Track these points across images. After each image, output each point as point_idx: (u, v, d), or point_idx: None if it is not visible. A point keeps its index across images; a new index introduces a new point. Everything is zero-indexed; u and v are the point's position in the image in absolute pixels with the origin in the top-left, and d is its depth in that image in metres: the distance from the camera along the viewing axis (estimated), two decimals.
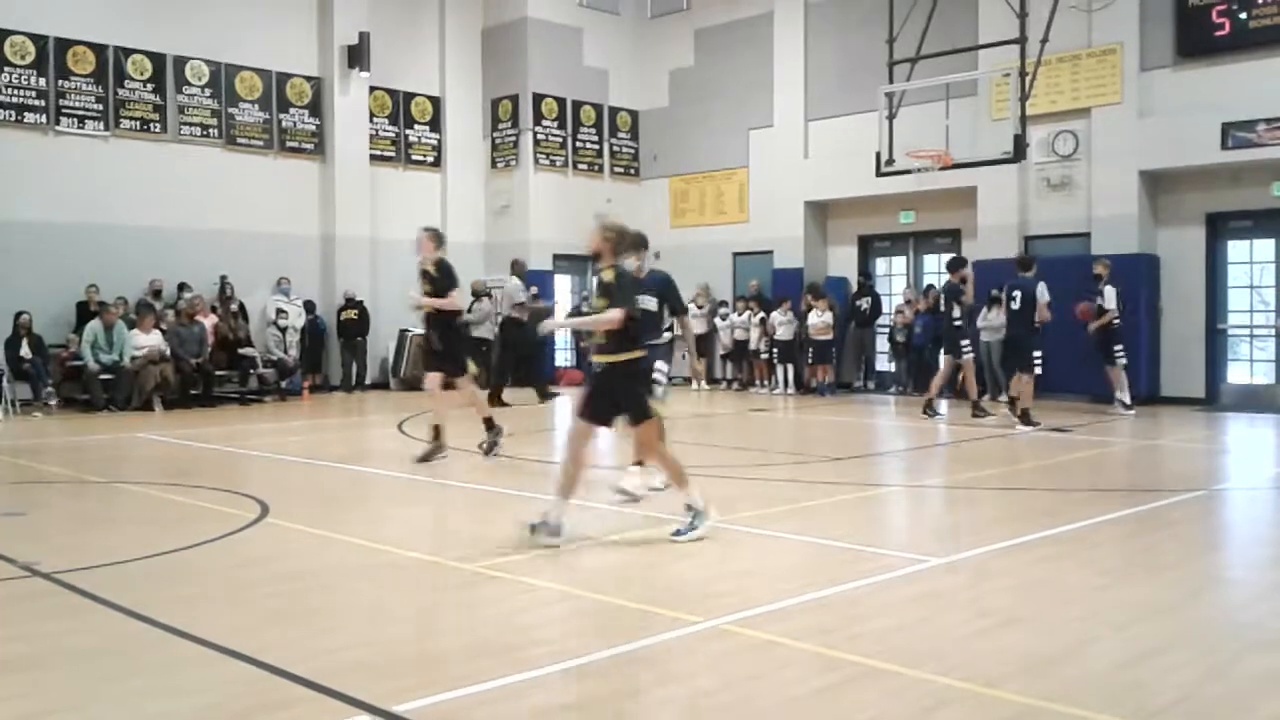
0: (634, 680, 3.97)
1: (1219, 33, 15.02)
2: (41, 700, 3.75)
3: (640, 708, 3.70)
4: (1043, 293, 12.81)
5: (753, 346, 18.91)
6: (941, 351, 14.39)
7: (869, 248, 19.62)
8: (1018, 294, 12.81)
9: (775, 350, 18.43)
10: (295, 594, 5.24)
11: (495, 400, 15.18)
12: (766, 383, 18.83)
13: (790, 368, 18.35)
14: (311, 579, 5.56)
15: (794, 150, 19.64)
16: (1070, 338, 14.90)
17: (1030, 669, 4.00)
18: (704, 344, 20.02)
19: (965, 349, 13.79)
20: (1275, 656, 4.17)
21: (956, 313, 13.84)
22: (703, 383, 19.62)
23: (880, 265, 19.66)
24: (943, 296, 14.20)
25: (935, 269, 18.86)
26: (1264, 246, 15.59)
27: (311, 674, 3.90)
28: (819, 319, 17.89)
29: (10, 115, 15.75)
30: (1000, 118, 15.58)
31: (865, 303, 18.52)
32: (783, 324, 18.17)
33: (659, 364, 8.14)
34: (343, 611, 4.94)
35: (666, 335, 8.77)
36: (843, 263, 19.69)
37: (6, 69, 15.71)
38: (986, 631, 4.53)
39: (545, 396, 16.59)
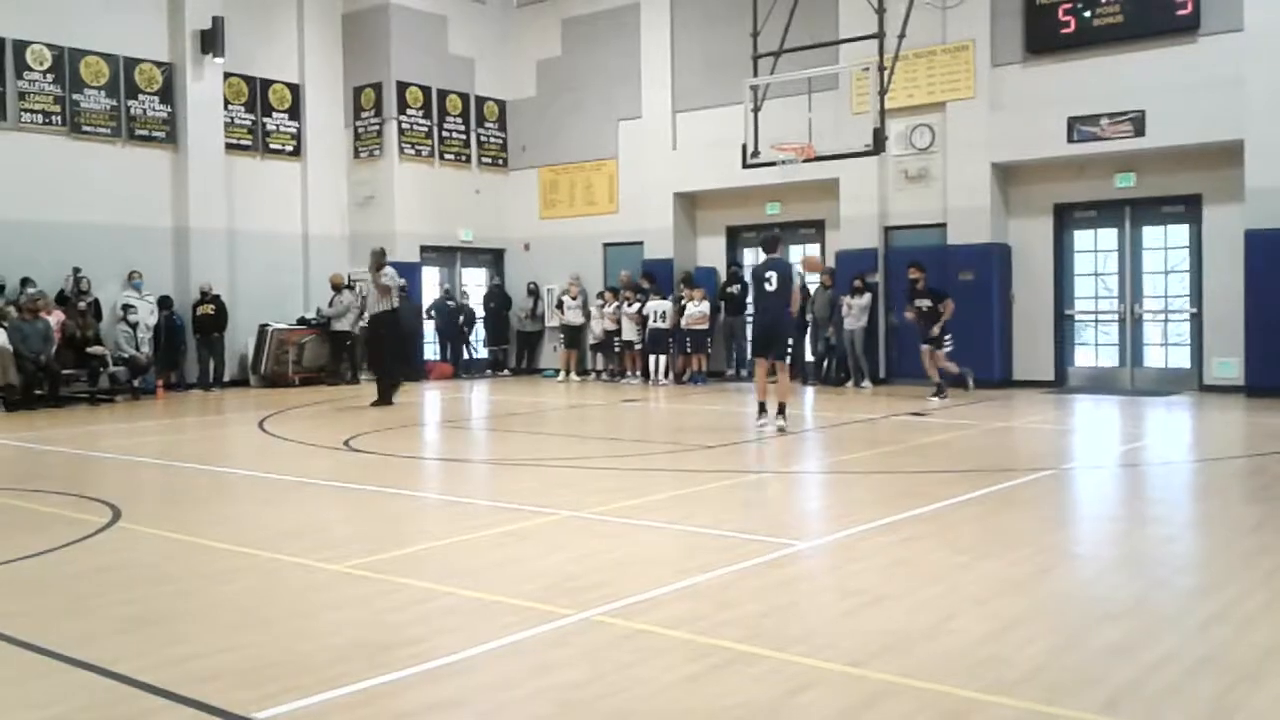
0: (505, 675, 3.93)
1: (1065, 30, 15.69)
2: None
3: (511, 701, 3.66)
4: (798, 276, 12.46)
5: (626, 337, 18.99)
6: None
7: (737, 238, 19.89)
8: (772, 275, 11.62)
9: (648, 340, 18.55)
10: (150, 600, 5.02)
11: (386, 399, 14.69)
12: (638, 373, 18.93)
13: (664, 358, 18.49)
14: (168, 584, 5.33)
15: (662, 141, 19.76)
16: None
17: (894, 646, 4.11)
18: (576, 335, 20.03)
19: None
20: (1124, 627, 4.37)
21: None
22: (573, 374, 19.64)
23: (748, 255, 19.94)
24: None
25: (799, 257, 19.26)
26: (1107, 235, 16.38)
27: (167, 683, 3.75)
28: (696, 309, 18.07)
29: None
30: (861, 111, 15.98)
31: (736, 289, 18.78)
32: (659, 314, 18.29)
33: None
34: (201, 617, 4.75)
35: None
36: (712, 253, 19.93)
37: None
38: (852, 612, 4.64)
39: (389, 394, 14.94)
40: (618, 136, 20.44)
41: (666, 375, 18.40)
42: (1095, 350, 16.70)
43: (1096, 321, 16.63)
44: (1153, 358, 16.17)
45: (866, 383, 16.68)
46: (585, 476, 8.59)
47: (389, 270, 14.80)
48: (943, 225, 16.76)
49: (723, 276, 19.36)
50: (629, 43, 20.11)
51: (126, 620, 4.66)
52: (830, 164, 15.89)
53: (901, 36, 14.65)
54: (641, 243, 20.04)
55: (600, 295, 19.77)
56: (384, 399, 14.71)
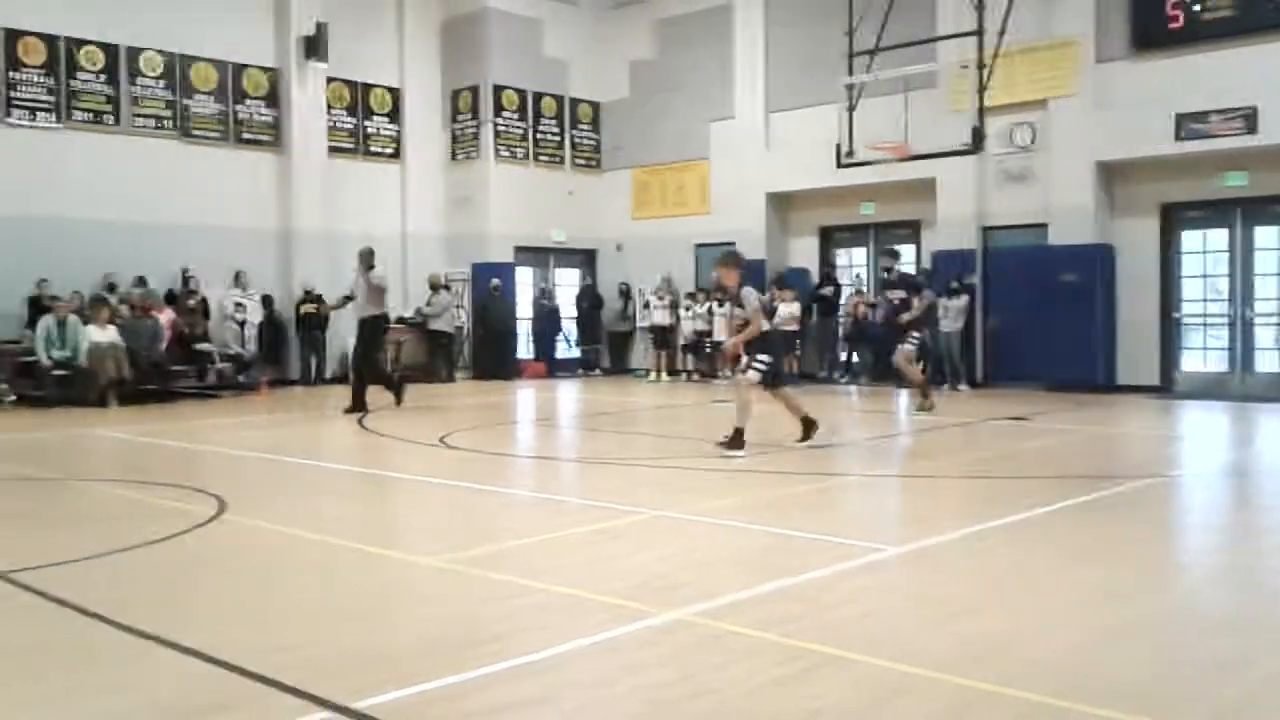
0: (594, 673, 3.95)
1: (1173, 25, 15.20)
2: None
3: (601, 700, 3.68)
4: (751, 298, 10.03)
5: (718, 338, 18.93)
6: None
7: (830, 239, 19.71)
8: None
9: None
10: (252, 590, 5.17)
11: (359, 405, 13.49)
12: (729, 374, 18.85)
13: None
14: (269, 575, 5.49)
15: (755, 142, 19.68)
16: (1024, 325, 15.06)
17: (987, 654, 4.03)
18: (666, 336, 20.05)
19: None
20: (1232, 641, 4.22)
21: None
22: (664, 374, 19.67)
23: (841, 256, 19.75)
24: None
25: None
26: (1217, 236, 15.82)
27: (265, 670, 3.85)
28: (786, 310, 17.96)
29: None
30: (959, 109, 15.68)
31: (829, 290, 18.60)
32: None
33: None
34: (300, 607, 4.88)
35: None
36: (805, 254, 19.77)
37: None
38: (944, 618, 4.56)
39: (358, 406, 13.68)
40: (710, 137, 20.41)
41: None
42: (1204, 355, 16.13)
43: (1205, 325, 16.06)
44: (1264, 363, 15.55)
45: (963, 386, 16.38)
46: (674, 476, 8.59)
47: (380, 272, 14.02)
48: (1044, 226, 16.37)
49: (815, 278, 19.19)
50: (722, 43, 20.07)
51: (229, 608, 4.82)
52: (927, 163, 15.65)
53: (1002, 33, 14.36)
54: (733, 243, 19.93)
55: (690, 296, 19.77)
56: (358, 405, 13.52)
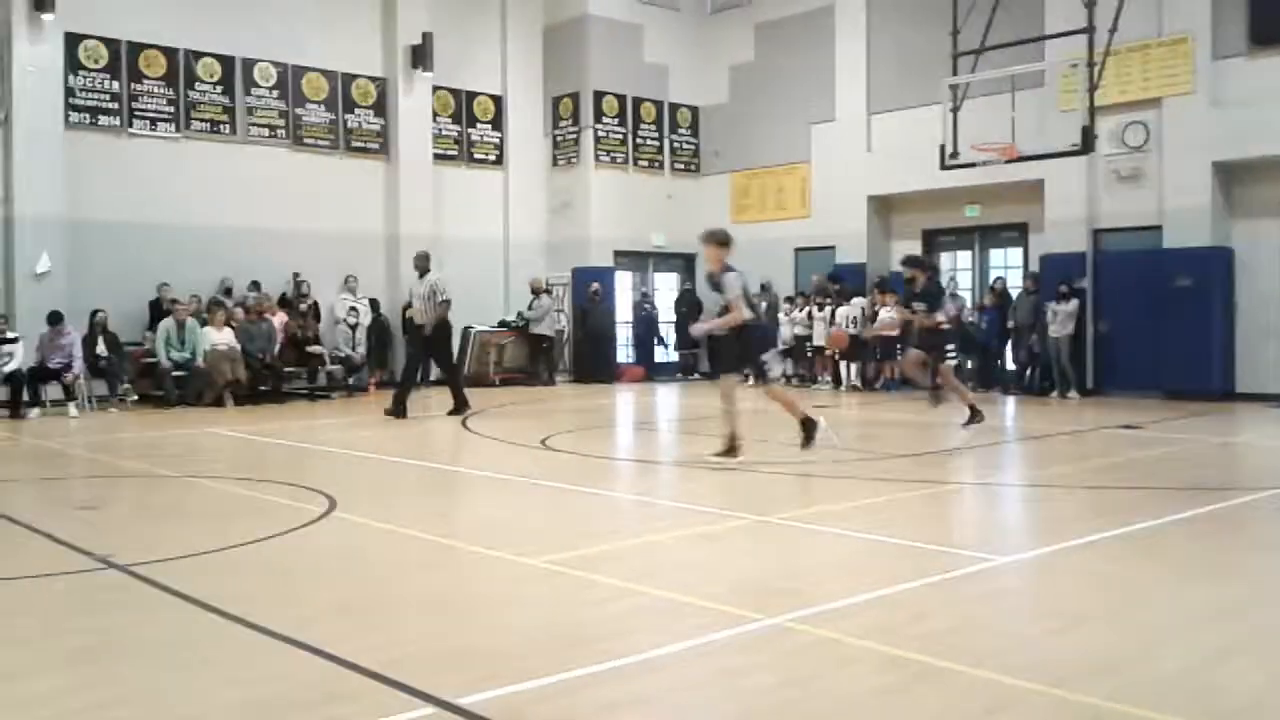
0: (693, 676, 3.98)
1: None
2: (112, 689, 3.85)
3: (699, 703, 3.71)
4: (732, 284, 9.12)
5: (818, 342, 18.81)
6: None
7: (933, 242, 19.40)
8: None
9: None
10: (360, 586, 5.32)
11: (400, 409, 13.39)
12: (828, 378, 18.71)
13: (854, 364, 18.23)
14: (377, 572, 5.65)
15: (856, 144, 19.48)
16: (1137, 331, 14.59)
17: (1097, 670, 3.94)
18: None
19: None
20: None
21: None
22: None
23: (945, 260, 19.42)
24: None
25: (1002, 263, 18.64)
26: None
27: (376, 665, 3.96)
28: (887, 314, 17.73)
29: (85, 118, 16.18)
30: (1068, 109, 15.26)
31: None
32: (850, 319, 18.03)
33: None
34: (407, 604, 5.01)
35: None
36: None
37: (81, 73, 16.15)
38: (1053, 631, 4.47)
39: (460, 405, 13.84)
40: (810, 139, 20.27)
41: (858, 381, 18.11)
42: None
43: None
44: None
45: (1073, 393, 15.97)
46: (774, 481, 8.56)
47: (432, 278, 13.75)
48: (1158, 228, 15.86)
49: None
50: (823, 45, 19.91)
51: (339, 604, 4.96)
52: (1034, 164, 15.32)
53: (1113, 31, 13.98)
54: (833, 247, 19.80)
55: (790, 300, 19.65)
56: (460, 405, 13.69)
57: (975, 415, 11.83)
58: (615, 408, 16.02)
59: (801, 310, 19.11)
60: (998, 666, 3.95)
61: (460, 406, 13.80)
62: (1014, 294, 17.30)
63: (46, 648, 4.38)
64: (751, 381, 9.59)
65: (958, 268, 19.30)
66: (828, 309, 18.53)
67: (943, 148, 14.81)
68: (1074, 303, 16.05)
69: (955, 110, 14.76)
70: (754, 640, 4.34)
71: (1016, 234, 18.16)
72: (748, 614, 4.63)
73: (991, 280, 18.00)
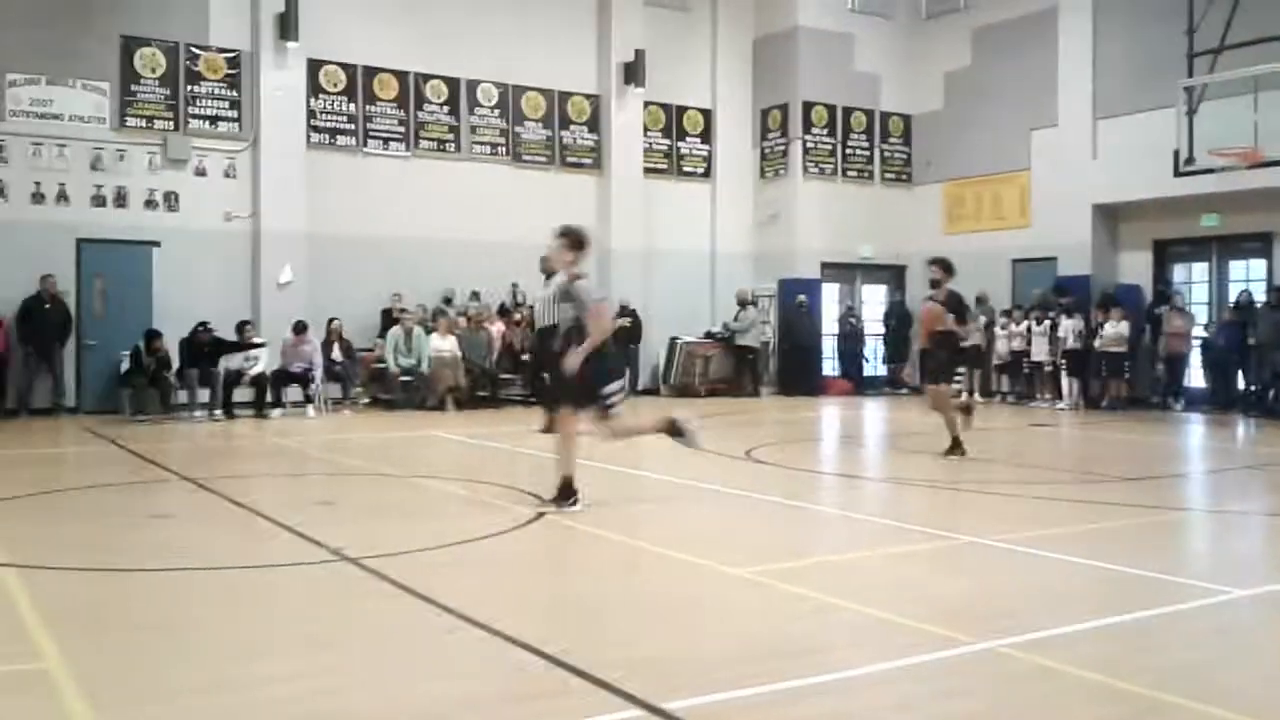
0: (902, 696, 3.90)
1: None
2: (340, 676, 4.10)
3: None
4: (590, 291, 7.86)
5: (1036, 358, 18.05)
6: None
7: (1165, 253, 18.28)
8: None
9: (1065, 361, 17.52)
10: (572, 588, 5.49)
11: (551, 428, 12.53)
12: (1048, 397, 17.91)
13: (1076, 381, 17.40)
14: (588, 575, 5.81)
15: (1081, 150, 18.59)
16: None
17: None
18: (976, 355, 19.29)
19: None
20: None
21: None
22: (975, 395, 18.92)
23: (1179, 272, 18.28)
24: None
25: (1242, 276, 17.39)
26: None
27: (585, 665, 4.07)
28: (1113, 330, 16.86)
29: (325, 139, 17.36)
30: None
31: (1162, 310, 17.27)
32: (1074, 334, 17.23)
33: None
34: (617, 608, 5.13)
35: None
36: (1135, 269, 18.45)
37: (322, 95, 17.34)
38: None
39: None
40: (1030, 146, 19.48)
41: (1080, 400, 17.27)
42: None
43: None
44: None
45: None
46: (988, 501, 8.28)
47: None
48: None
49: (1148, 295, 17.87)
50: (1045, 48, 19.11)
51: (549, 604, 5.14)
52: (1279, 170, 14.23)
53: None
54: (1055, 258, 18.93)
55: (1006, 313, 18.93)
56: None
57: (956, 447, 10.44)
58: (820, 421, 15.86)
59: (1020, 324, 18.38)
60: (1231, 705, 3.70)
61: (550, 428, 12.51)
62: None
63: (288, 632, 4.72)
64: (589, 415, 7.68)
65: (1193, 280, 18.12)
66: (1046, 323, 17.75)
67: (1176, 153, 14.00)
68: None
69: (1190, 113, 13.94)
70: (965, 664, 4.22)
71: (1259, 244, 16.90)
72: (958, 636, 4.50)
73: (1235, 295, 16.80)
